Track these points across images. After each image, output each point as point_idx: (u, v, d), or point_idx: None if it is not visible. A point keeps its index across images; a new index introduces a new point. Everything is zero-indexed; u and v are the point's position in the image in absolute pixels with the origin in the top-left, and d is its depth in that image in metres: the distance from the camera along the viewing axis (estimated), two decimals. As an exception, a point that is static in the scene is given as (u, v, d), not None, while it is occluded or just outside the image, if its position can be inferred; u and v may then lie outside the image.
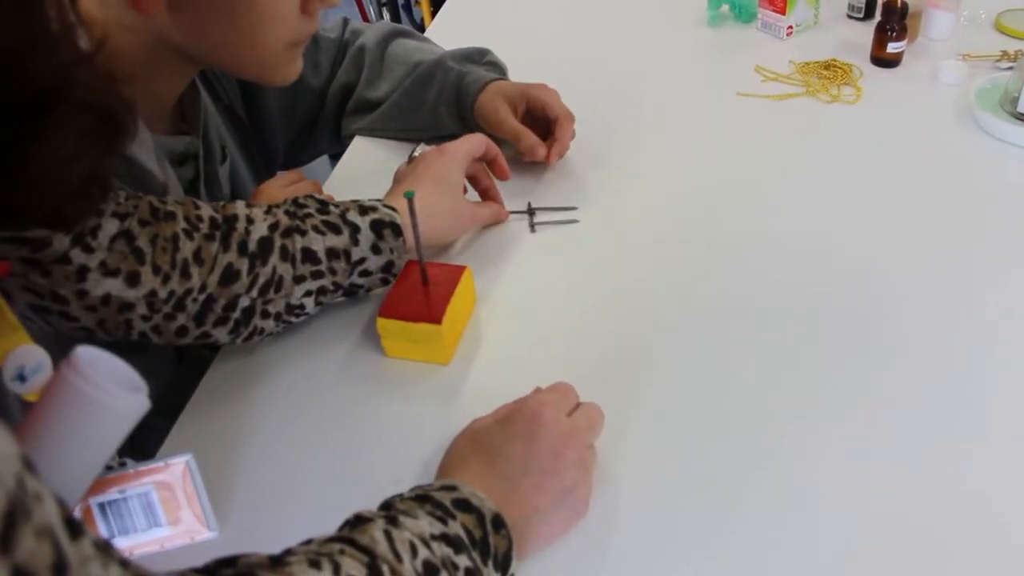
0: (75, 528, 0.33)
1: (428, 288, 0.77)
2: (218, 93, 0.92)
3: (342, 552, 0.48)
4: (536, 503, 0.58)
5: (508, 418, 0.62)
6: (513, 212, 0.93)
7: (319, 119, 1.06)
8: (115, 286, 0.65)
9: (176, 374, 0.86)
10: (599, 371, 0.74)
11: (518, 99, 0.97)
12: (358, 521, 0.52)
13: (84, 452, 0.47)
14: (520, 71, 1.06)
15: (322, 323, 0.82)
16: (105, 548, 0.35)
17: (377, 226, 0.75)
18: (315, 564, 0.46)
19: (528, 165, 0.99)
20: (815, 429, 0.68)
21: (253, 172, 0.98)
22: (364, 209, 0.76)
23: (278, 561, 0.47)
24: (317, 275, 0.73)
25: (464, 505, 0.54)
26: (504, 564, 0.55)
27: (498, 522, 0.55)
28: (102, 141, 0.48)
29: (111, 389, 0.46)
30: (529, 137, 0.95)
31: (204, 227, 0.69)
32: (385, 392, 0.75)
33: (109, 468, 0.58)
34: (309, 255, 0.72)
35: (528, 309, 0.82)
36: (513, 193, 0.96)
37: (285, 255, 0.71)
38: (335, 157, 1.10)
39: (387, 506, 0.55)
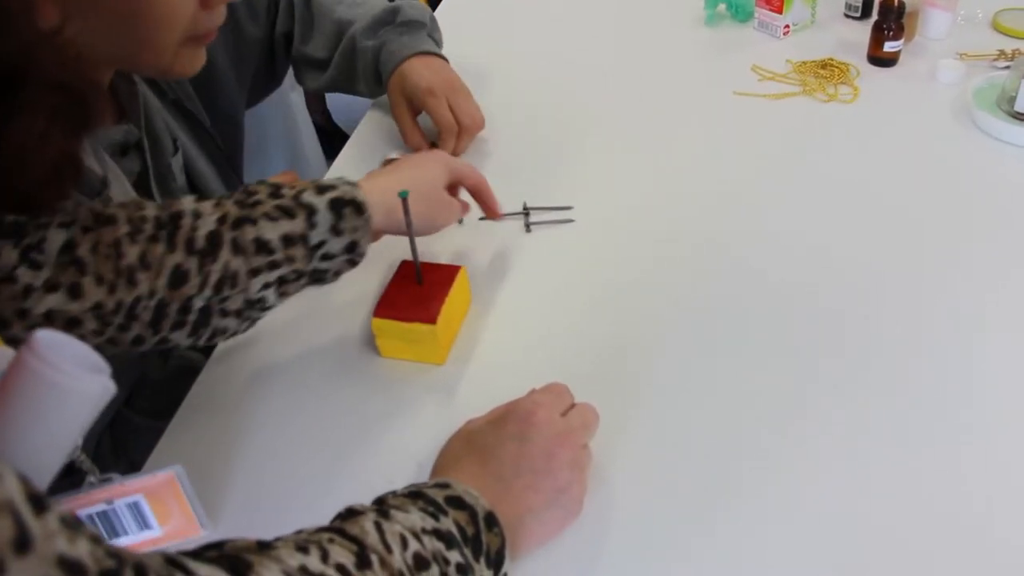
0: (39, 504, 0.33)
1: (423, 288, 0.77)
2: (162, 89, 0.90)
3: (331, 540, 0.48)
4: (529, 503, 0.58)
5: (502, 418, 0.62)
6: (509, 213, 0.93)
7: (274, 64, 1.09)
8: (57, 300, 0.62)
9: (162, 373, 0.86)
10: (594, 371, 0.74)
11: (411, 99, 1.00)
12: (349, 514, 0.52)
13: (49, 436, 0.45)
14: (516, 70, 1.06)
15: (316, 323, 0.82)
16: (74, 524, 0.35)
17: (336, 205, 0.69)
18: (303, 549, 0.47)
19: (524, 166, 0.98)
20: (813, 429, 0.68)
21: (213, 165, 0.97)
22: (322, 188, 0.70)
23: (265, 545, 0.47)
24: (273, 265, 0.68)
25: (457, 502, 0.54)
26: (497, 562, 0.54)
27: (491, 520, 0.55)
28: (72, 121, 0.48)
29: (72, 371, 0.45)
30: (412, 137, 1.01)
31: (148, 228, 0.66)
32: (379, 392, 0.75)
33: (91, 484, 0.58)
34: (262, 245, 0.67)
35: (523, 309, 0.82)
36: (508, 193, 0.95)
37: (236, 248, 0.67)
38: (331, 157, 1.09)
39: (379, 501, 0.55)
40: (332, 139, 1.94)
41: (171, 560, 0.41)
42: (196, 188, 0.93)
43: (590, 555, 0.61)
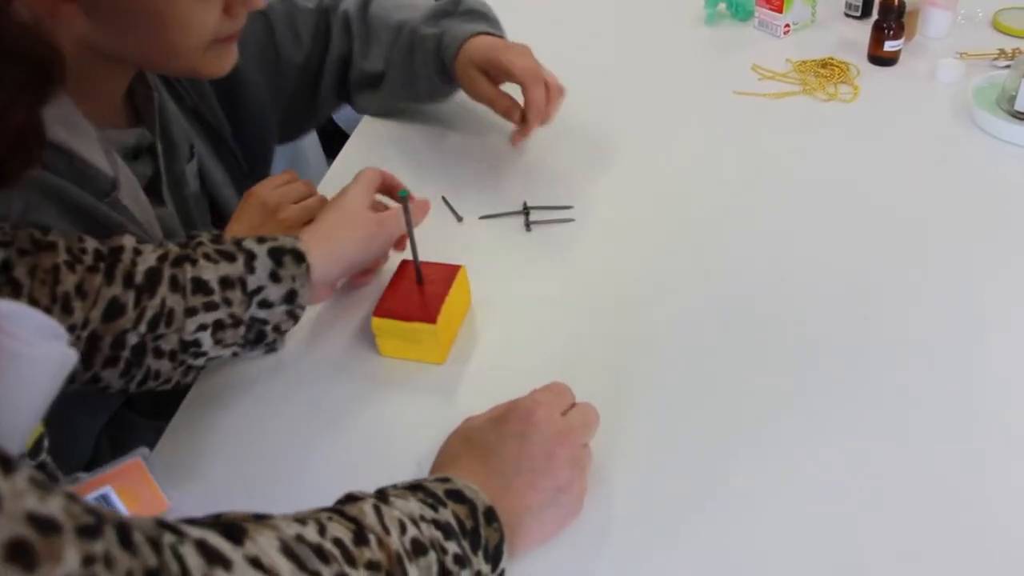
0: (7, 464, 0.33)
1: (423, 287, 0.77)
2: (179, 93, 0.90)
3: (329, 519, 0.49)
4: (528, 501, 0.58)
5: (502, 416, 0.62)
6: (509, 212, 0.93)
7: (320, 91, 1.05)
8: None
9: None
10: (594, 370, 0.74)
11: (485, 65, 0.96)
12: (348, 499, 0.53)
13: (12, 406, 0.45)
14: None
15: (316, 322, 0.82)
16: (45, 484, 0.35)
17: (276, 253, 0.70)
18: (300, 522, 0.47)
19: (523, 163, 0.98)
20: (812, 429, 0.68)
21: (228, 174, 0.96)
22: (263, 238, 0.71)
23: (263, 516, 0.47)
24: (210, 307, 0.68)
25: (457, 496, 0.55)
26: (495, 557, 0.55)
27: (490, 515, 0.55)
28: (33, 90, 0.48)
29: (30, 339, 0.45)
30: (502, 101, 0.96)
31: (88, 259, 0.65)
32: (379, 391, 0.75)
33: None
34: (200, 285, 0.67)
35: (523, 308, 0.82)
36: (509, 192, 0.96)
37: (175, 286, 0.66)
38: (331, 156, 1.09)
39: (380, 490, 0.55)
40: (332, 139, 1.93)
41: (163, 523, 0.41)
42: (210, 195, 0.93)
43: (590, 555, 0.61)
